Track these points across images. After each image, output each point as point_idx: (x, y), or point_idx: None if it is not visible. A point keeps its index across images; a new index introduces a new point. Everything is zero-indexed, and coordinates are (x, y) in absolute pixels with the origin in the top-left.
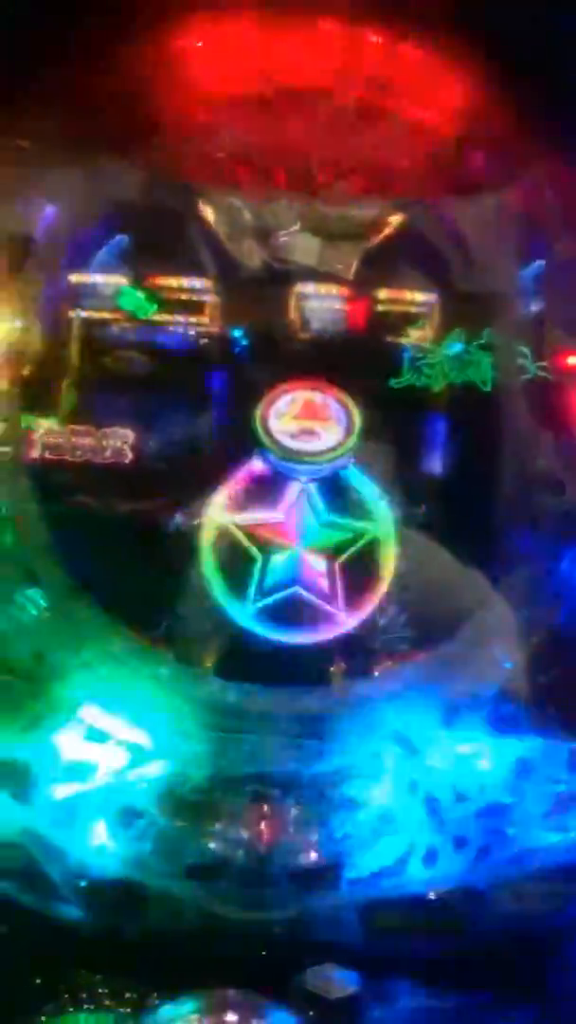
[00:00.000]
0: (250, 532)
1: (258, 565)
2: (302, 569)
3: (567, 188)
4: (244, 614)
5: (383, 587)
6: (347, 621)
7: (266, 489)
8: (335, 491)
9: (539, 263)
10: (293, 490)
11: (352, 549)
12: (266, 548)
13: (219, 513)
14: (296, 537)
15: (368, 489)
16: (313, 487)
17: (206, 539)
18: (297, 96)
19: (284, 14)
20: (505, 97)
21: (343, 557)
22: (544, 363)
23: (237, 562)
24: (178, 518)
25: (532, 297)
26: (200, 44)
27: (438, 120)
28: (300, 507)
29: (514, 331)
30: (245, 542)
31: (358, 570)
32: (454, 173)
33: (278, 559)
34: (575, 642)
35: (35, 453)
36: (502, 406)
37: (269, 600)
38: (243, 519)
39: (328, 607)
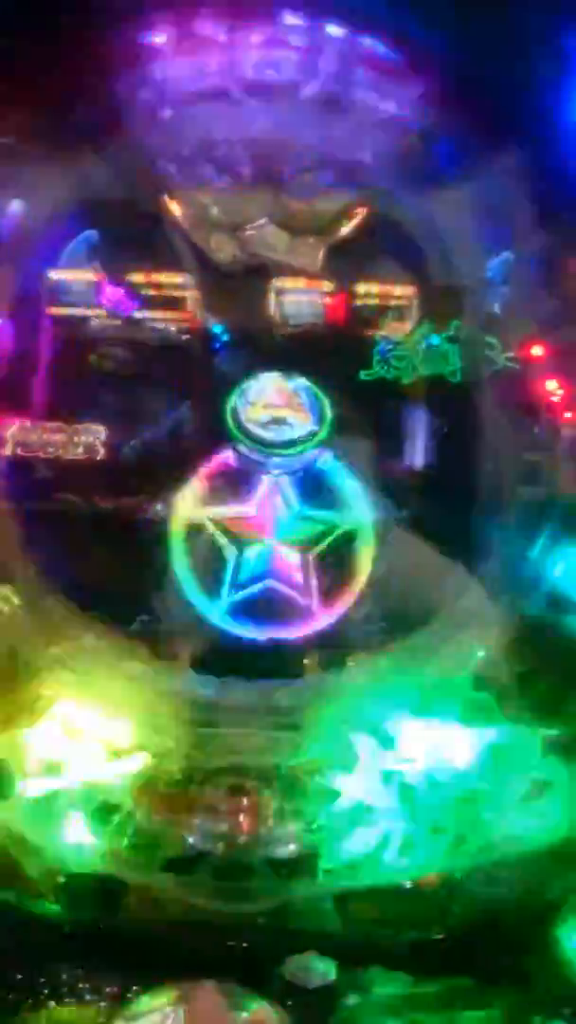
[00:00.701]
0: (223, 526)
1: (231, 559)
2: (275, 562)
3: (532, 180)
4: (217, 610)
5: (359, 581)
6: (322, 616)
7: (239, 482)
8: (309, 483)
9: (505, 255)
10: (265, 483)
11: (325, 541)
12: (239, 542)
13: (191, 507)
14: (269, 530)
15: (343, 481)
16: (286, 480)
17: (177, 534)
18: (262, 90)
19: (247, 10)
20: (469, 90)
21: (316, 550)
22: (511, 354)
23: (210, 557)
24: (152, 513)
25: (499, 288)
26: (166, 41)
27: (402, 113)
28: (272, 500)
29: (482, 322)
30: (218, 536)
31: (333, 563)
32: (419, 166)
33: (251, 553)
34: (548, 630)
35: (7, 450)
36: (472, 397)
37: (243, 594)
38: (215, 513)
39: (302, 600)
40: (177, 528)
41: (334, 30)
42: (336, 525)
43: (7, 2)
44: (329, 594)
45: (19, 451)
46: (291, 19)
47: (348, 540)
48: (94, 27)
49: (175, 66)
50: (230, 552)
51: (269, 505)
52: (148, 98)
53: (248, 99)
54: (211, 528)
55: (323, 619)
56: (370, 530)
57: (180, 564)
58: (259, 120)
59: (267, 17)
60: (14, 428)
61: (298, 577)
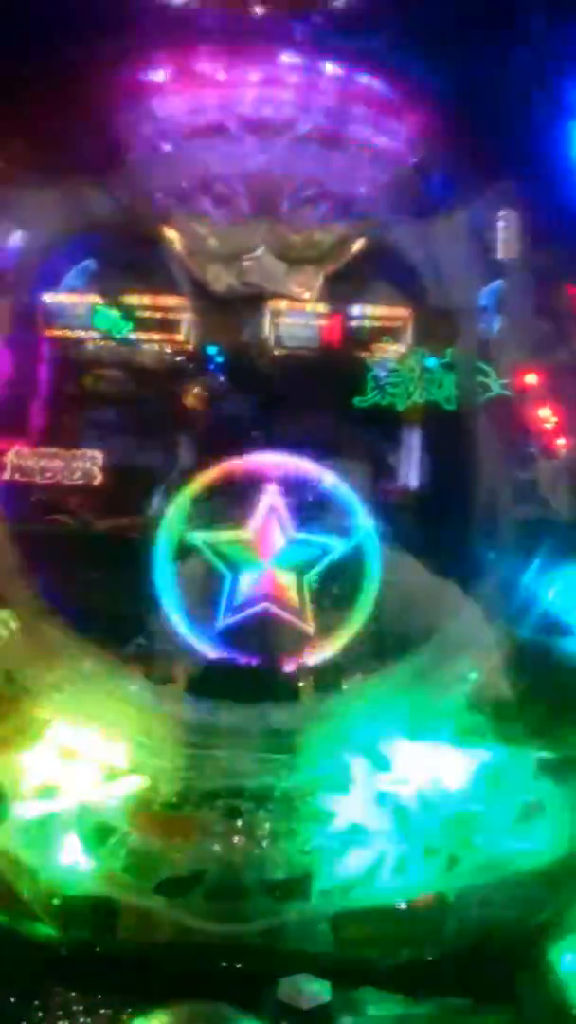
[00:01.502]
0: (218, 549)
1: (226, 583)
2: (271, 585)
3: (524, 210)
4: (211, 634)
5: (356, 604)
6: (319, 640)
7: (235, 505)
8: (306, 506)
9: (498, 283)
10: (263, 506)
11: (322, 564)
12: (234, 565)
13: (185, 530)
14: (265, 554)
15: (340, 504)
16: (283, 503)
17: (170, 556)
18: (259, 126)
19: (246, 49)
20: (462, 124)
21: (312, 573)
22: (505, 381)
23: (205, 580)
24: (148, 535)
25: (492, 316)
26: (166, 78)
27: (398, 147)
28: (269, 523)
29: (476, 350)
30: (213, 559)
31: (330, 586)
32: (414, 197)
33: (246, 576)
34: (542, 652)
35: (5, 475)
36: (467, 422)
37: (238, 618)
38: (211, 536)
39: (299, 624)
40: (170, 551)
41: (331, 68)
42: (332, 548)
43: (11, 36)
44: (325, 617)
45: (17, 476)
46: (288, 58)
47: (344, 563)
48: (97, 63)
49: (174, 102)
50: (225, 575)
51: (266, 528)
52: (148, 133)
53: (246, 135)
54: (206, 551)
55: (320, 644)
56: (367, 553)
57: (171, 587)
58: (256, 155)
59: (265, 56)
60: (12, 454)
61: (294, 600)
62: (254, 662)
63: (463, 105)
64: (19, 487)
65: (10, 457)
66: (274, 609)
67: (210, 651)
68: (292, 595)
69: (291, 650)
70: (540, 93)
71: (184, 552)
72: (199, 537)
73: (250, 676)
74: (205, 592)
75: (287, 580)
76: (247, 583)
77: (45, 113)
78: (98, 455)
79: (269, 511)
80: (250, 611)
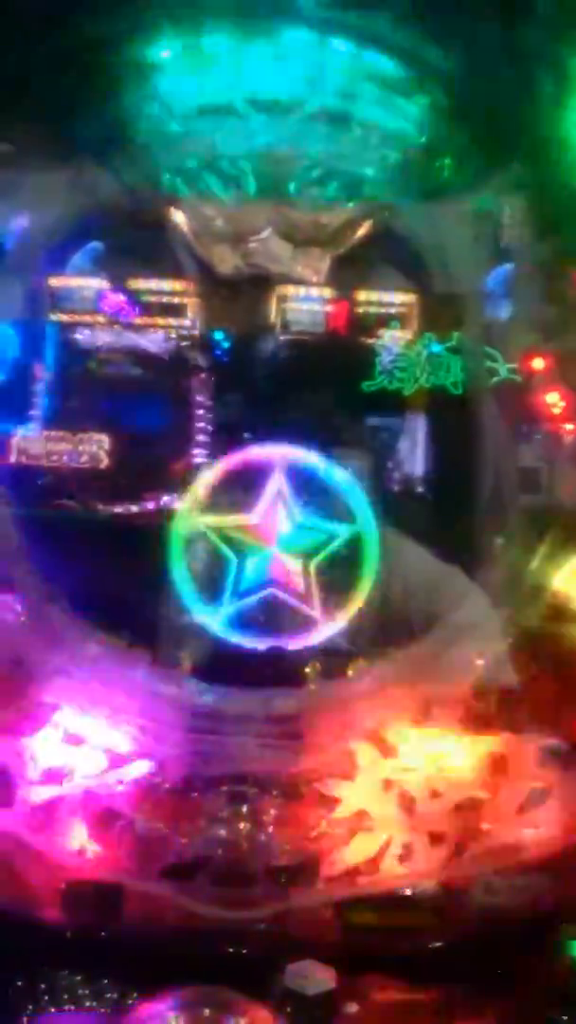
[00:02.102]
0: (224, 534)
1: (232, 568)
2: (276, 570)
3: (531, 194)
4: (217, 619)
5: (362, 589)
6: (324, 625)
7: (240, 490)
8: (312, 492)
9: (507, 267)
10: (269, 491)
11: (327, 549)
12: (240, 550)
13: (192, 515)
14: (271, 539)
15: (345, 489)
16: (289, 488)
17: (177, 541)
18: (267, 105)
19: (253, 26)
20: (471, 106)
21: (318, 558)
22: (513, 365)
23: (210, 565)
24: (154, 521)
25: (500, 300)
26: (172, 56)
27: (406, 128)
28: (275, 509)
29: (483, 334)
30: (218, 545)
31: (336, 572)
32: (422, 179)
33: (252, 561)
34: (548, 640)
35: (11, 458)
36: (473, 407)
37: (244, 602)
38: (216, 521)
39: (304, 609)
40: (177, 536)
41: (340, 46)
42: (339, 533)
43: (15, 16)
44: (333, 604)
45: (23, 459)
46: (297, 35)
47: (350, 548)
48: (102, 42)
49: (181, 81)
50: (230, 560)
51: (271, 514)
52: (154, 112)
53: (253, 113)
54: (211, 536)
55: (325, 628)
56: (372, 538)
57: (179, 572)
58: (264, 134)
59: (273, 33)
60: (18, 437)
61: (300, 585)
62: (260, 647)
63: (472, 87)
64: (24, 471)
65: (16, 440)
66: (280, 594)
67: (216, 636)
68: (298, 580)
69: (297, 634)
70: (550, 76)
71: (189, 536)
72: (205, 521)
73: (255, 661)
74: (209, 577)
75: (293, 565)
76: (253, 568)
77: (50, 93)
78: (104, 438)
79: (275, 496)
80: (256, 596)
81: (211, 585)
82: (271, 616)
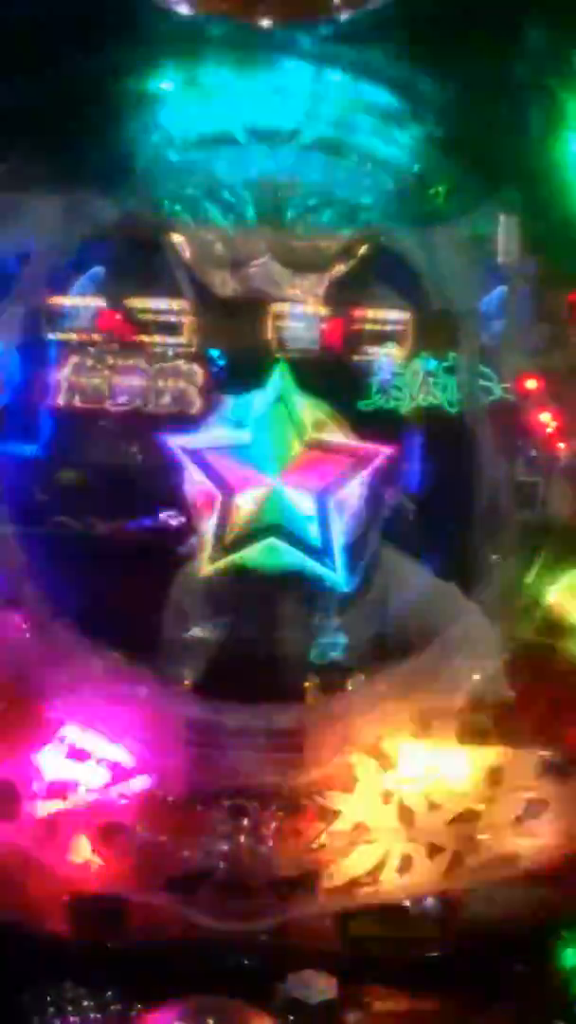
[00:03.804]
0: (205, 460)
1: (216, 507)
2: (280, 512)
3: (524, 217)
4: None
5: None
6: (346, 587)
7: (229, 397)
8: (327, 400)
9: (500, 289)
10: (265, 398)
11: (354, 480)
12: (227, 483)
13: (160, 432)
14: (271, 466)
15: (375, 397)
16: (294, 392)
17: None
18: (265, 135)
19: (252, 58)
20: (465, 133)
21: (339, 493)
22: (507, 385)
23: (186, 503)
24: (157, 538)
25: (495, 321)
26: (173, 87)
27: (401, 156)
28: (276, 423)
29: (478, 354)
30: (198, 474)
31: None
32: (416, 204)
33: (244, 498)
34: (543, 653)
35: (60, 398)
36: (468, 425)
37: (231, 558)
38: (198, 441)
39: (321, 569)
40: (142, 462)
41: (336, 78)
42: (367, 458)
43: (18, 44)
44: (356, 557)
45: (77, 400)
46: (294, 67)
47: (381, 480)
48: (103, 73)
49: (181, 111)
50: (215, 496)
51: (271, 429)
52: (155, 141)
53: (252, 143)
54: (188, 464)
55: (346, 588)
56: (411, 465)
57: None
58: (262, 163)
59: (271, 65)
60: (69, 367)
61: (314, 534)
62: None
63: (465, 115)
64: (25, 490)
65: (66, 372)
66: (285, 546)
67: (217, 651)
68: (311, 526)
69: (308, 608)
70: (541, 107)
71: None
72: (180, 442)
73: (256, 675)
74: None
75: (304, 503)
76: (247, 508)
77: (52, 122)
78: (197, 369)
79: (276, 404)
80: (250, 548)
81: (182, 533)
82: (273, 581)
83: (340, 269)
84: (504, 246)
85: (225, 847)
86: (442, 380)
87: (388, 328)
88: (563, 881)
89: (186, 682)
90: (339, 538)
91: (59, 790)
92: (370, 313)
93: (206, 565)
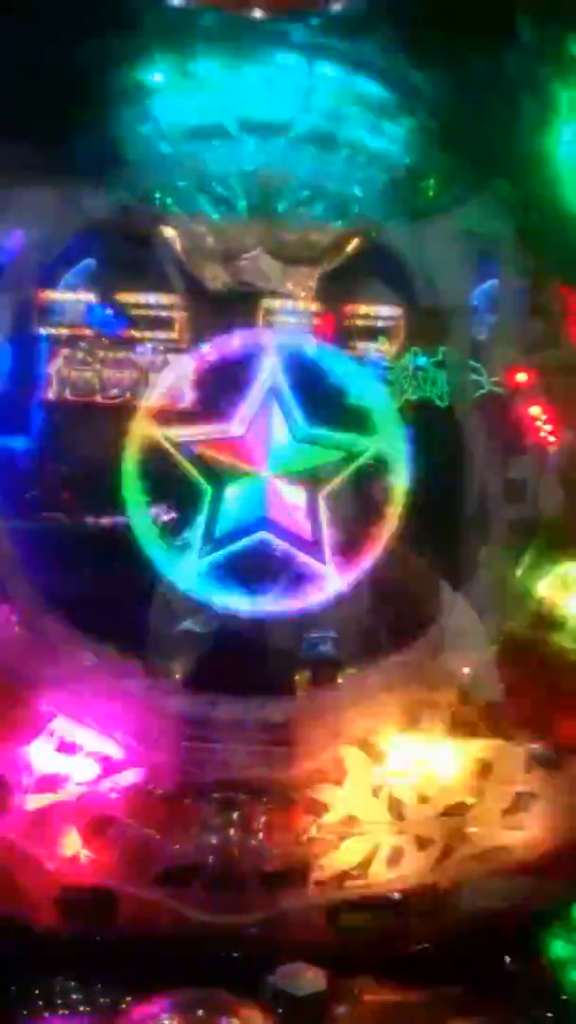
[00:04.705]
0: (195, 453)
1: (206, 501)
2: (271, 505)
3: (515, 210)
4: (188, 572)
5: (385, 527)
6: (335, 578)
7: (218, 390)
8: (318, 393)
9: (491, 283)
10: (258, 388)
11: (343, 475)
12: (218, 476)
13: (149, 425)
14: (262, 459)
15: (367, 389)
16: (286, 384)
17: (130, 462)
18: (257, 127)
19: (244, 50)
20: (457, 126)
21: (330, 487)
22: (496, 379)
23: (175, 497)
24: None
25: (485, 315)
26: (165, 79)
27: (392, 148)
28: (267, 416)
29: (468, 348)
30: (187, 468)
31: (352, 505)
32: (408, 198)
33: (235, 492)
34: (532, 647)
35: (51, 392)
36: (458, 419)
37: (223, 552)
38: (185, 434)
39: (310, 560)
40: (132, 458)
41: (328, 70)
42: (357, 451)
43: (9, 36)
44: (346, 548)
45: (68, 393)
46: (286, 59)
47: (371, 473)
48: (96, 64)
49: (173, 103)
50: (203, 491)
51: (263, 422)
52: (147, 133)
53: (244, 135)
54: (177, 456)
55: (336, 582)
56: (400, 459)
57: (136, 509)
58: (254, 155)
59: (263, 57)
60: (60, 359)
61: (303, 526)
62: (245, 615)
63: (456, 108)
64: (15, 484)
65: (56, 365)
66: (275, 540)
67: (207, 644)
68: (301, 519)
69: (298, 595)
70: (533, 100)
71: (148, 456)
72: (168, 435)
73: (246, 669)
74: (176, 514)
75: (294, 497)
76: (236, 502)
77: (45, 114)
78: (188, 362)
79: (268, 396)
80: (240, 543)
81: (177, 526)
82: (262, 569)
83: (331, 263)
84: (495, 239)
85: (215, 840)
86: (432, 374)
87: (379, 324)
88: (551, 873)
89: (176, 676)
90: (329, 531)
91: (49, 783)
92: (361, 309)
93: (196, 559)
